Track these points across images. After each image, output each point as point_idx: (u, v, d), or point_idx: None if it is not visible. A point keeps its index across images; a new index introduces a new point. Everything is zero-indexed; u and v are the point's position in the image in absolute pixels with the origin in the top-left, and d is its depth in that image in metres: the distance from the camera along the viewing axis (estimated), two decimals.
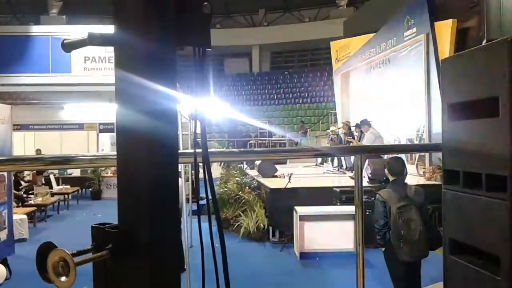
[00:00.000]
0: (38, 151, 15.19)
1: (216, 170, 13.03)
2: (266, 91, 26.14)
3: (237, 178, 10.56)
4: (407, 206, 4.23)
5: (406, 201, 4.28)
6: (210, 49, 1.05)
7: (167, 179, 0.99)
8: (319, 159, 14.84)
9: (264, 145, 20.07)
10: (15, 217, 7.97)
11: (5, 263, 6.37)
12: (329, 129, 15.13)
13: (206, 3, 1.01)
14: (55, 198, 12.11)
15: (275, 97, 25.45)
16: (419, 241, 4.13)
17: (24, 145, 15.91)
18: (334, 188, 8.19)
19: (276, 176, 10.35)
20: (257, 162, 11.22)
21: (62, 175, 15.37)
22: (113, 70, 0.97)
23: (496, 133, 2.00)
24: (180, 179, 5.76)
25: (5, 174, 6.76)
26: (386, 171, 4.68)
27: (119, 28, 0.97)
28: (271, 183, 9.21)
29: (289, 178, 8.49)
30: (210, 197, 1.10)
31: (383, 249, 4.49)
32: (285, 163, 13.83)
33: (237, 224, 8.68)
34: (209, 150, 1.11)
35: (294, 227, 7.50)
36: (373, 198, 5.50)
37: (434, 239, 4.18)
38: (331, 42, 16.97)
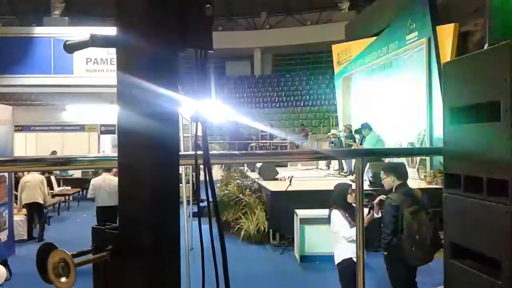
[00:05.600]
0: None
1: (217, 173, 13.04)
2: (268, 93, 26.14)
3: (237, 181, 10.55)
4: (419, 210, 4.19)
5: (417, 205, 4.25)
6: (212, 52, 1.05)
7: (168, 180, 1.00)
8: (322, 162, 14.82)
9: (265, 148, 20.08)
10: (15, 218, 7.97)
11: (5, 264, 6.36)
12: (330, 132, 15.12)
13: (208, 5, 1.01)
14: (56, 199, 12.11)
15: (277, 100, 25.45)
16: (430, 245, 4.08)
17: (25, 146, 15.92)
18: None
19: (277, 179, 10.35)
20: (258, 165, 11.22)
21: (63, 176, 15.37)
22: (115, 72, 0.98)
23: (497, 137, 2.00)
24: None
25: (6, 175, 6.76)
26: (392, 176, 4.64)
27: (121, 30, 0.97)
28: (272, 185, 9.20)
29: (290, 181, 8.48)
30: (210, 199, 1.10)
31: (385, 253, 4.46)
32: (286, 165, 13.83)
33: (237, 226, 8.67)
34: (210, 152, 1.11)
35: (295, 230, 7.49)
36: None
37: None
38: (332, 46, 16.98)
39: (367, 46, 14.02)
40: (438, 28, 10.12)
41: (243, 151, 11.44)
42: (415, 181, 9.44)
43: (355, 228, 4.58)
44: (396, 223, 4.25)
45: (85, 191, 15.53)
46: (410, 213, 4.15)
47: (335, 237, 4.63)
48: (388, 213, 4.36)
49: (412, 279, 4.41)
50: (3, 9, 25.16)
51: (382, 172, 4.87)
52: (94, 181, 8.13)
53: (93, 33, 0.94)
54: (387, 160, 7.57)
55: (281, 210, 8.07)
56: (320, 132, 21.18)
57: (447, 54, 9.73)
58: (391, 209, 4.31)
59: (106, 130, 16.68)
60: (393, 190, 4.59)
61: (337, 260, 4.56)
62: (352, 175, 10.07)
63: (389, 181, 4.66)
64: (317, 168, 15.25)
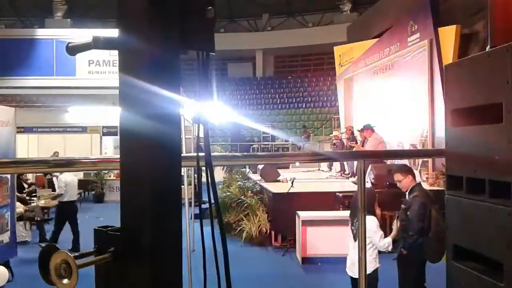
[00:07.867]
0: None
1: (219, 174, 13.04)
2: (269, 95, 26.16)
3: (239, 182, 10.56)
4: (441, 208, 4.20)
5: (435, 203, 4.26)
6: (214, 53, 1.05)
7: (170, 182, 1.00)
8: (324, 164, 14.81)
9: (267, 150, 20.06)
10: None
11: (7, 265, 6.37)
12: (332, 133, 15.11)
13: (210, 7, 1.01)
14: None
15: (278, 102, 25.46)
16: None
17: (27, 147, 15.95)
18: (337, 193, 8.17)
19: (278, 181, 10.34)
20: (260, 167, 11.22)
21: None
22: (117, 74, 0.98)
23: (499, 139, 2.00)
24: None
25: (9, 176, 6.77)
26: (410, 176, 4.62)
27: (123, 32, 0.98)
28: (274, 187, 9.20)
29: (292, 183, 8.48)
30: (212, 201, 1.10)
31: (405, 252, 4.41)
32: (287, 167, 13.82)
33: (239, 228, 8.67)
34: (212, 154, 1.11)
35: (297, 232, 7.48)
36: None
37: None
38: (334, 47, 16.98)
39: (369, 47, 14.02)
40: (440, 29, 10.11)
41: (245, 153, 11.44)
42: None
43: (389, 237, 4.56)
44: (424, 221, 4.24)
45: (87, 192, 15.65)
46: (436, 211, 4.15)
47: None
48: (416, 212, 4.31)
49: (423, 280, 4.42)
50: (5, 11, 25.24)
51: (398, 174, 4.72)
52: (64, 178, 8.31)
53: (95, 35, 0.95)
54: (388, 161, 7.56)
55: (283, 211, 8.07)
56: (322, 133, 21.17)
57: (449, 56, 9.72)
58: (420, 207, 4.29)
59: (108, 131, 16.73)
60: (409, 191, 4.56)
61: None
62: (354, 176, 10.06)
63: (407, 181, 4.60)
64: (319, 169, 15.23)
